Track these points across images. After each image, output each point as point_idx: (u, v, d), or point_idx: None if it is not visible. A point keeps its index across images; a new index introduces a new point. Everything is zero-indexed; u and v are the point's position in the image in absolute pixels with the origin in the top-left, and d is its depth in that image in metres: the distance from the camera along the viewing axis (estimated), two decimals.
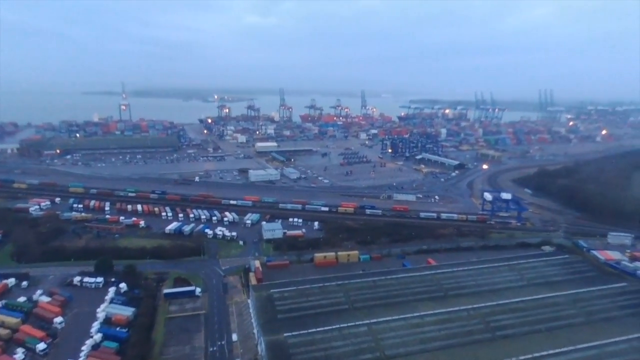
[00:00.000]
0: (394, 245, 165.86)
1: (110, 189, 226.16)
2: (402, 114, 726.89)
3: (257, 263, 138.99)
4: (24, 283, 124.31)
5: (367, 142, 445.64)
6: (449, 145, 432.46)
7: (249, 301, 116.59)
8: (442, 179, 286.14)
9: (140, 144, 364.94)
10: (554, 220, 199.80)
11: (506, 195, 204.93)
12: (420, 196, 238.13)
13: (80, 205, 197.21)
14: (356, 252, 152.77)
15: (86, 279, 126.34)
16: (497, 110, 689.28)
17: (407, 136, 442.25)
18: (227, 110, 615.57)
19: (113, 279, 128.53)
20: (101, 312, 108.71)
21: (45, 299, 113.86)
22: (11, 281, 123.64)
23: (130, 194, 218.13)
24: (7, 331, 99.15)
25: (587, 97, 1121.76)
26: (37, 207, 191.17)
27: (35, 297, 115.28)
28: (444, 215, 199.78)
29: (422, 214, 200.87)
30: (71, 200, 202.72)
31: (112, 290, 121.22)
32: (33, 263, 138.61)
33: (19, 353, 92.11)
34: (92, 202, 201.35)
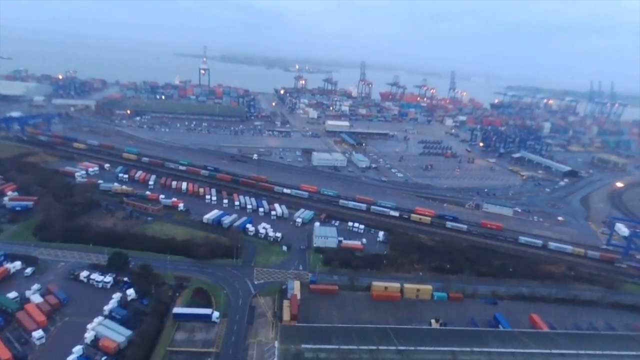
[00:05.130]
0: (481, 280, 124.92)
1: (162, 158, 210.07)
2: (496, 101, 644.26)
3: (296, 285, 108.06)
4: (28, 270, 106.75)
5: (452, 131, 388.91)
6: (554, 143, 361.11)
7: (275, 345, 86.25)
8: (547, 189, 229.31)
9: (208, 112, 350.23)
10: None
11: None
12: (519, 210, 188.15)
13: (126, 176, 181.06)
14: (430, 287, 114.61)
15: (94, 276, 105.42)
16: (617, 105, 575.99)
17: (502, 128, 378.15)
18: (303, 82, 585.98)
19: (125, 279, 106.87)
20: (90, 331, 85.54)
21: (37, 299, 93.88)
22: (15, 265, 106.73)
23: (180, 167, 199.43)
24: None
25: None
26: (83, 172, 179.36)
27: (28, 293, 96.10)
28: (552, 245, 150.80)
29: (522, 239, 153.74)
30: (118, 169, 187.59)
31: (116, 297, 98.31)
32: (52, 242, 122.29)
33: None
34: (139, 173, 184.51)
